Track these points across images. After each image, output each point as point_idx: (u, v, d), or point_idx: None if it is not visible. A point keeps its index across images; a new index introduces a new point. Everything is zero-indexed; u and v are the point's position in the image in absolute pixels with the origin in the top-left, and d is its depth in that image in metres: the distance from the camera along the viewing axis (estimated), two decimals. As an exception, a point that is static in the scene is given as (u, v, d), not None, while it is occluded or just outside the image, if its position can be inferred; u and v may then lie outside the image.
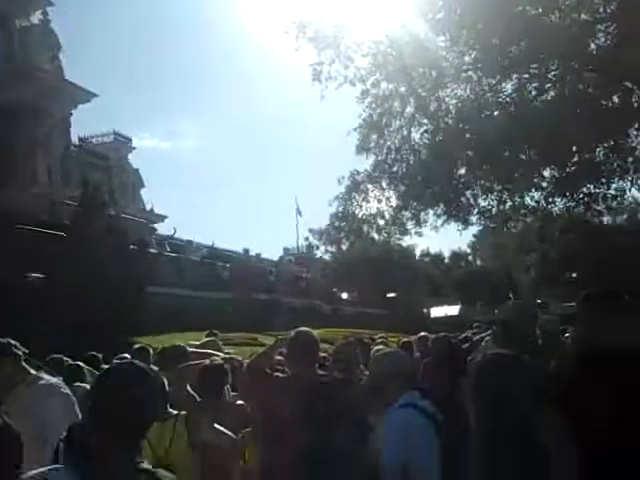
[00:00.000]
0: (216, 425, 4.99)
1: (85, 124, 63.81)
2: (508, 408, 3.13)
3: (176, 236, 39.13)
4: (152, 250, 32.12)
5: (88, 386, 6.05)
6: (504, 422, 3.14)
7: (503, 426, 3.16)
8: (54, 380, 4.89)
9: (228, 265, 38.35)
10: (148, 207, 43.28)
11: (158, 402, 2.59)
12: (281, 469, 4.50)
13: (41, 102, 34.35)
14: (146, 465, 2.40)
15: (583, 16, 15.33)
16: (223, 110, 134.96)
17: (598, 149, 17.50)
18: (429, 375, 5.52)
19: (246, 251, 42.74)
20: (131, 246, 26.93)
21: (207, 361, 5.84)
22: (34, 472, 2.28)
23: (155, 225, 41.00)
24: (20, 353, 4.78)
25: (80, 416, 4.54)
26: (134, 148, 47.46)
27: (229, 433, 5.08)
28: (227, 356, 6.92)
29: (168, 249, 35.34)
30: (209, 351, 6.80)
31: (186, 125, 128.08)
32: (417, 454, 3.91)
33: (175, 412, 4.75)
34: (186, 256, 35.97)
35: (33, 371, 4.82)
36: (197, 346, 7.52)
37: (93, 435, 2.28)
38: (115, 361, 7.51)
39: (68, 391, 4.99)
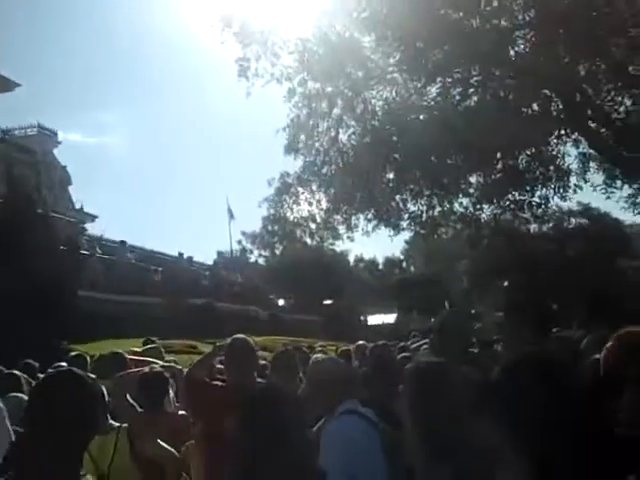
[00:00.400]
0: (159, 441, 4.79)
1: (4, 116, 61.37)
2: (438, 417, 3.05)
3: (107, 237, 38.39)
4: (83, 251, 31.50)
5: (25, 396, 5.86)
6: (436, 431, 3.04)
7: (436, 435, 3.04)
8: None
9: (160, 269, 37.82)
10: (77, 206, 42.09)
11: (99, 413, 2.46)
12: None
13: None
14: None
15: (503, 22, 15.51)
16: (149, 106, 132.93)
17: (521, 157, 17.80)
18: (368, 384, 5.44)
19: (180, 255, 42.27)
20: (61, 246, 26.38)
21: (146, 369, 5.70)
22: None
23: (85, 225, 40.02)
24: None
25: (11, 431, 4.40)
26: (60, 142, 45.79)
27: (172, 450, 4.87)
28: (167, 364, 6.75)
29: (99, 250, 34.66)
30: (148, 359, 6.63)
31: (112, 120, 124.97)
32: (364, 463, 3.82)
33: (117, 424, 4.57)
34: (118, 258, 35.35)
35: None
36: (139, 354, 7.33)
37: (29, 449, 2.16)
38: (50, 370, 7.31)
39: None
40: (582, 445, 1.96)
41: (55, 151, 44.27)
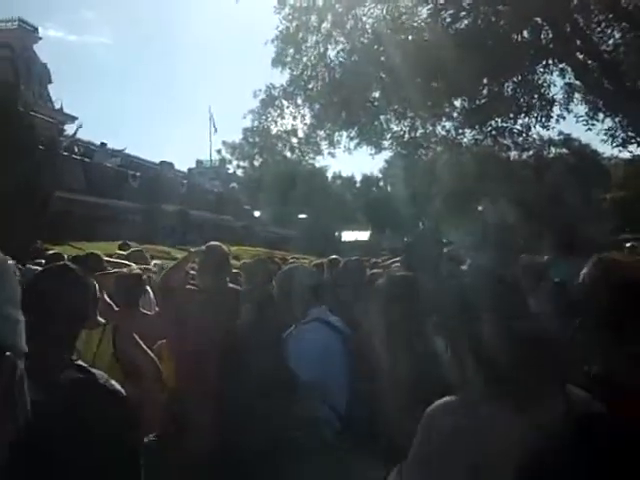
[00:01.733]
0: (139, 341, 4.84)
1: None
2: (409, 317, 3.22)
3: (86, 139, 37.90)
4: (61, 152, 31.18)
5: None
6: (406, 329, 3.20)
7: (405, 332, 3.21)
8: None
9: (139, 174, 37.63)
10: (57, 105, 41.17)
11: (90, 305, 2.59)
12: (198, 393, 4.31)
13: None
14: (80, 362, 2.38)
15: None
16: (135, 6, 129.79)
17: (507, 84, 17.85)
18: (336, 292, 5.50)
19: (162, 162, 41.96)
20: (39, 146, 26.06)
21: (125, 270, 5.75)
22: None
23: (65, 126, 39.31)
24: None
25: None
26: (40, 38, 43.72)
27: (152, 356, 4.90)
28: (143, 267, 6.73)
29: (77, 152, 34.33)
30: (124, 262, 6.67)
31: (95, 18, 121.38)
32: (331, 369, 3.87)
33: (103, 321, 4.63)
34: (97, 162, 35.08)
35: None
36: (124, 257, 7.39)
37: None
38: (32, 266, 7.36)
39: None
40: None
41: (35, 47, 42.89)
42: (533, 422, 1.91)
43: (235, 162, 66.92)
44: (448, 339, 2.29)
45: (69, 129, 39.05)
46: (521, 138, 19.88)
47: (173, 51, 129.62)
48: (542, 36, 16.47)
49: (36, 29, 43.17)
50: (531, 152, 31.55)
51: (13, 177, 19.83)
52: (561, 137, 41.07)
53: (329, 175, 70.22)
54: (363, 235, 57.74)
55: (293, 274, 4.47)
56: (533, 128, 18.98)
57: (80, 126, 37.42)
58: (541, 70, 17.52)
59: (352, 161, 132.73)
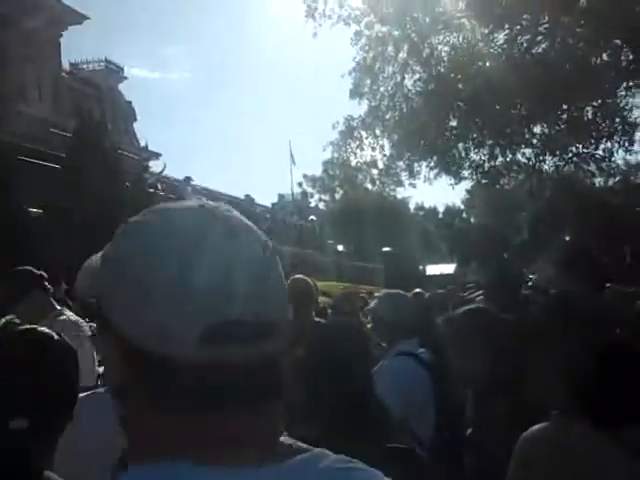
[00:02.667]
0: None
1: (71, 48, 61.27)
2: (481, 355, 3.09)
3: (170, 175, 38.65)
4: (147, 189, 31.89)
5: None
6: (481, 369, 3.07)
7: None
8: (78, 318, 4.65)
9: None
10: (142, 143, 42.21)
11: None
12: None
13: (29, 19, 33.37)
14: None
15: (576, -31, 15.25)
16: (215, 43, 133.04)
17: (587, 108, 17.57)
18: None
19: (247, 197, 42.39)
20: (127, 183, 26.77)
21: None
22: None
23: (149, 162, 40.18)
24: (49, 287, 4.65)
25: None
26: (126, 78, 45.52)
27: None
28: None
29: (162, 188, 35.03)
30: None
31: (177, 55, 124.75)
32: (417, 403, 3.83)
33: None
34: (181, 197, 35.73)
35: (58, 306, 4.69)
36: None
37: None
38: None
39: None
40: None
41: (120, 86, 44.35)
42: (631, 446, 1.89)
43: (317, 195, 67.47)
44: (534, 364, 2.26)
45: (154, 166, 39.98)
46: (604, 163, 19.47)
47: (252, 85, 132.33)
48: (622, 58, 16.19)
49: (121, 69, 44.61)
50: (617, 178, 30.84)
51: (100, 214, 20.33)
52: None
53: (411, 206, 69.98)
54: (448, 268, 57.12)
55: (385, 305, 4.48)
56: (616, 153, 18.61)
57: (165, 166, 38.27)
58: (622, 93, 17.17)
59: (434, 192, 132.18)
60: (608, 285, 5.40)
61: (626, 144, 18.03)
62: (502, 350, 2.93)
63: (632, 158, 29.29)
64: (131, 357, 0.84)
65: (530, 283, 6.69)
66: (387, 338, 4.33)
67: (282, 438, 0.92)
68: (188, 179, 36.49)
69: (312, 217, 52.77)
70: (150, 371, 0.83)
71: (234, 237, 0.87)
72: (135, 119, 43.82)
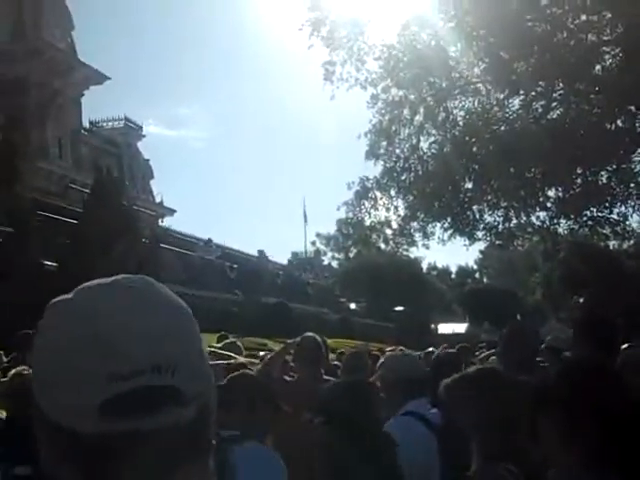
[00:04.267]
0: None
1: (89, 105, 62.50)
2: (490, 420, 2.98)
3: (185, 232, 38.96)
4: (163, 245, 32.12)
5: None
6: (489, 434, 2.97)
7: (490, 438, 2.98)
8: None
9: (236, 266, 38.31)
10: (157, 199, 42.81)
11: None
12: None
13: (53, 79, 34.04)
14: None
15: (590, 37, 15.49)
16: (233, 103, 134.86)
17: (601, 172, 17.65)
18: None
19: (260, 252, 42.52)
20: (143, 240, 26.95)
21: (231, 361, 5.69)
22: None
23: (165, 219, 40.53)
24: None
25: None
26: (144, 136, 46.41)
27: None
28: (246, 360, 6.58)
29: (177, 244, 35.26)
30: (227, 353, 6.66)
31: (190, 113, 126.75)
32: (417, 466, 3.71)
33: None
34: (196, 254, 35.96)
35: None
36: (219, 348, 7.40)
37: None
38: None
39: None
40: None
41: (139, 144, 44.87)
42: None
43: (330, 254, 67.62)
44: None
45: (169, 222, 40.29)
46: (619, 227, 19.49)
47: (269, 145, 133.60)
48: (637, 124, 16.33)
49: (140, 127, 45.23)
50: (632, 241, 30.76)
51: (117, 269, 20.39)
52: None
53: (424, 266, 69.99)
54: (460, 327, 56.86)
55: (393, 365, 4.42)
56: (631, 217, 18.66)
57: (211, 241, 38.34)
58: (637, 158, 17.28)
59: (447, 252, 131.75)
60: (624, 346, 5.37)
61: (641, 209, 18.12)
62: (513, 414, 2.85)
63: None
64: (52, 435, 0.85)
65: (544, 345, 6.62)
66: (394, 398, 4.22)
67: None
68: (210, 241, 36.74)
69: (327, 275, 52.87)
70: (67, 446, 0.84)
71: (141, 309, 0.87)
72: (152, 176, 44.29)
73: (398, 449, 3.60)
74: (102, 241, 21.37)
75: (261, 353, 8.30)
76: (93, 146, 38.57)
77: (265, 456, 3.67)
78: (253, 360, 7.31)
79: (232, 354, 6.65)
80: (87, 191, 25.77)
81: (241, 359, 6.30)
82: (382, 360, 4.76)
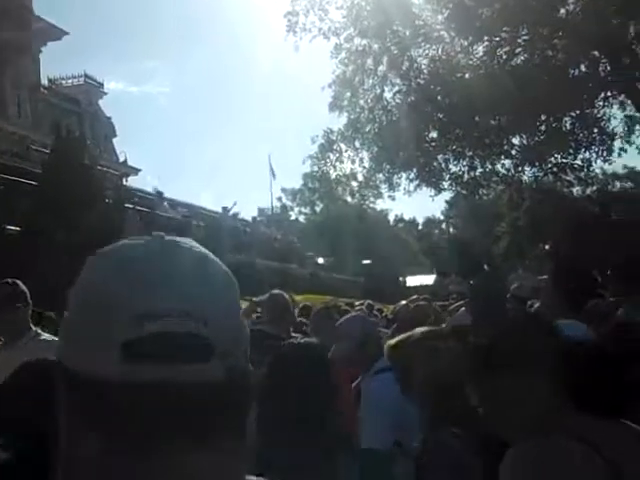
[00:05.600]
0: None
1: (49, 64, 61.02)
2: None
3: (147, 189, 38.34)
4: (126, 205, 31.66)
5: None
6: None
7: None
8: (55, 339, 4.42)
9: (202, 224, 37.96)
10: (121, 158, 41.84)
11: None
12: None
13: (8, 34, 33.16)
14: None
15: (553, -18, 15.39)
16: (194, 57, 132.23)
17: (565, 119, 17.71)
18: None
19: (224, 209, 42.20)
20: (106, 200, 26.55)
21: None
22: None
23: (128, 178, 39.89)
24: (30, 305, 4.54)
25: None
26: (106, 93, 45.04)
27: None
28: None
29: (141, 203, 34.78)
30: None
31: (155, 69, 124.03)
32: (407, 426, 3.44)
33: None
34: (160, 212, 35.52)
35: (33, 327, 4.55)
36: None
37: None
38: None
39: None
40: None
41: (100, 102, 43.95)
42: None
43: (297, 209, 67.50)
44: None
45: (132, 181, 39.70)
46: (583, 173, 19.63)
47: (231, 99, 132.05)
48: (600, 69, 16.35)
49: (101, 84, 44.11)
50: (595, 187, 31.05)
51: (80, 230, 20.10)
52: (625, 170, 40.42)
53: (391, 219, 70.20)
54: (428, 279, 57.22)
55: (359, 323, 4.30)
56: (594, 163, 18.79)
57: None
58: (600, 104, 17.36)
59: (413, 203, 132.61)
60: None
61: (604, 154, 18.26)
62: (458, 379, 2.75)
63: (609, 168, 29.55)
64: (71, 394, 0.80)
65: (509, 294, 6.63)
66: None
67: None
68: (160, 194, 36.23)
69: (294, 232, 52.80)
70: (84, 397, 0.78)
71: (175, 255, 0.85)
72: (114, 135, 43.50)
73: (379, 410, 3.59)
74: (64, 203, 20.99)
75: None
76: (53, 104, 37.72)
77: None
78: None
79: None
80: (47, 151, 25.23)
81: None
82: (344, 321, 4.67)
